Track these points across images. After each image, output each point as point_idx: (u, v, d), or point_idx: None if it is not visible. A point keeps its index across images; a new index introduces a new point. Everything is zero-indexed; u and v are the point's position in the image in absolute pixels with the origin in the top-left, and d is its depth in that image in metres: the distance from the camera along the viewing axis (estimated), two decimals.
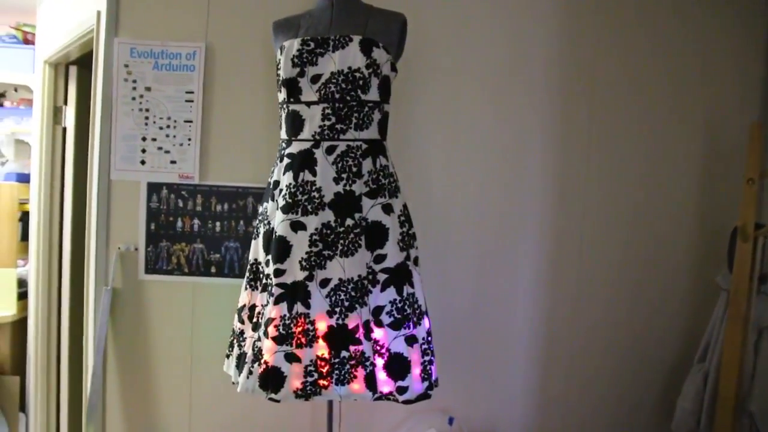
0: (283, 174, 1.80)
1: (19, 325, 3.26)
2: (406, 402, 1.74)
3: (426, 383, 1.77)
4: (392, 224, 1.76)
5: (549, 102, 2.34)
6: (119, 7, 2.25)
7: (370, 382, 1.71)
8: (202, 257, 2.28)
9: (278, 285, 1.74)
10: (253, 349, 1.77)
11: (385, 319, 1.74)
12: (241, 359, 1.83)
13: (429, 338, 1.81)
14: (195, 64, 2.25)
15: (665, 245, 2.39)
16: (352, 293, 1.72)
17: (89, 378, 2.26)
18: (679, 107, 2.38)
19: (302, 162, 1.76)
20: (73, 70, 3.07)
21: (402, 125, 2.27)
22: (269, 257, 1.78)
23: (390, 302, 1.74)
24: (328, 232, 1.74)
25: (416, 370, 1.75)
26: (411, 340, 1.75)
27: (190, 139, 2.26)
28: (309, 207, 1.74)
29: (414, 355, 1.75)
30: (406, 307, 1.75)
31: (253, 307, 1.86)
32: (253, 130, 2.25)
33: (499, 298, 2.34)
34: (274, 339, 1.71)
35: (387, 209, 1.77)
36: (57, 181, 3.11)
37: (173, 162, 2.26)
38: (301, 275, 1.73)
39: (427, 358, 1.78)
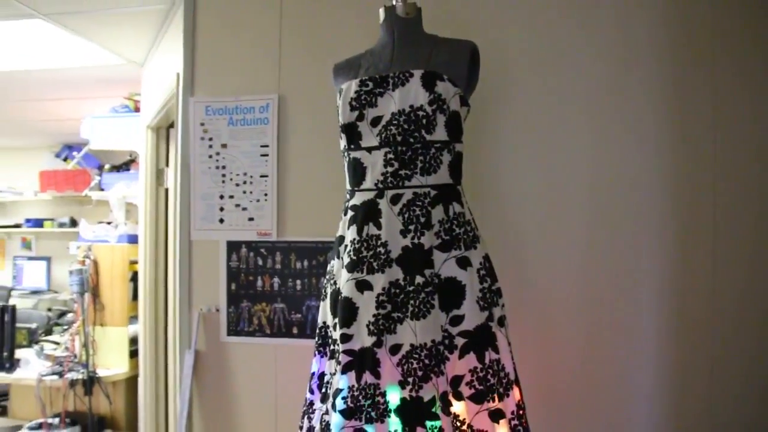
0: (348, 228, 1.63)
1: (133, 382, 3.35)
2: None
3: None
4: (469, 280, 1.53)
5: (659, 114, 2.00)
6: (194, 68, 2.26)
7: None
8: (284, 317, 2.17)
9: (345, 352, 1.56)
10: (321, 424, 1.60)
11: (465, 390, 1.49)
12: None
13: (520, 412, 1.53)
14: (269, 117, 2.19)
15: None
16: (426, 361, 1.50)
17: None
18: None
19: (366, 214, 1.59)
20: (173, 133, 3.16)
21: (487, 163, 2.04)
22: (336, 321, 1.62)
23: (470, 371, 1.49)
24: (397, 291, 1.54)
25: None
26: (497, 416, 1.48)
27: (266, 195, 2.18)
28: (375, 264, 1.56)
29: None
30: (489, 376, 1.49)
31: (322, 376, 1.69)
32: (329, 181, 2.12)
33: (613, 354, 1.98)
34: (342, 413, 1.52)
35: (463, 263, 1.54)
36: (161, 241, 3.19)
37: (251, 219, 2.19)
38: (368, 341, 1.53)
39: None
